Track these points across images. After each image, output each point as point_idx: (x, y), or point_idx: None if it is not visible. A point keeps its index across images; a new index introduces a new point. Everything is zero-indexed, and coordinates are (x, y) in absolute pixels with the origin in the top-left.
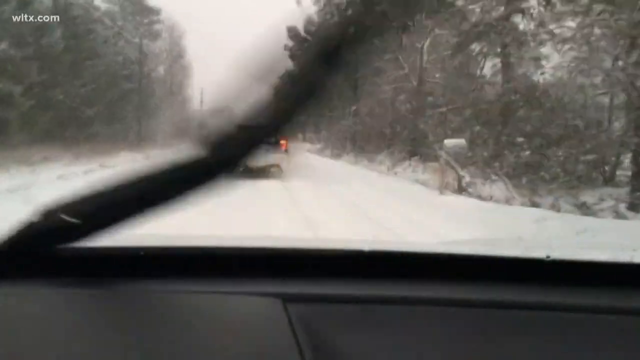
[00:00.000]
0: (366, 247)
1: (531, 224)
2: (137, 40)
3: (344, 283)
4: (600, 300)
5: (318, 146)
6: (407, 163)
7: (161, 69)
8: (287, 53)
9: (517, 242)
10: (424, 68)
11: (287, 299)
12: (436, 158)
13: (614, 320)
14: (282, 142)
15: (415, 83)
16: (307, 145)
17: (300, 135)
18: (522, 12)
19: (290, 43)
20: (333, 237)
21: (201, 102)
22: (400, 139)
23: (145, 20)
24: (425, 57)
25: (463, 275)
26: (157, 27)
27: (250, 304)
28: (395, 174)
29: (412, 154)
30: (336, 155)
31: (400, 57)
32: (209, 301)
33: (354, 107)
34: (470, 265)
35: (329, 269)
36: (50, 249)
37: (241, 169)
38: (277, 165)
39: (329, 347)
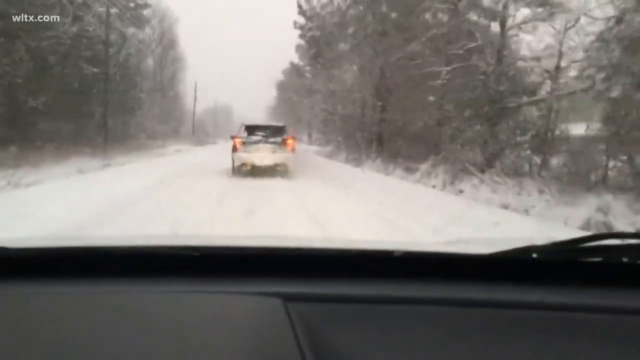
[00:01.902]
0: (366, 247)
1: None
2: (114, 18)
3: (344, 283)
4: (599, 300)
5: (328, 149)
6: (477, 178)
7: (150, 60)
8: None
9: (518, 243)
10: (508, 36)
11: (287, 298)
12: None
13: (613, 319)
14: (289, 142)
15: (492, 60)
16: (314, 148)
17: (306, 137)
18: None
19: (301, 19)
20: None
21: (195, 98)
22: (460, 142)
23: (132, 4)
24: (510, 21)
25: (463, 275)
26: (145, 12)
27: (251, 303)
28: (460, 192)
29: (486, 165)
30: (353, 161)
31: (469, 24)
32: (210, 300)
33: (381, 102)
34: (469, 265)
35: (329, 268)
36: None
37: (248, 167)
38: (284, 164)
39: (329, 346)
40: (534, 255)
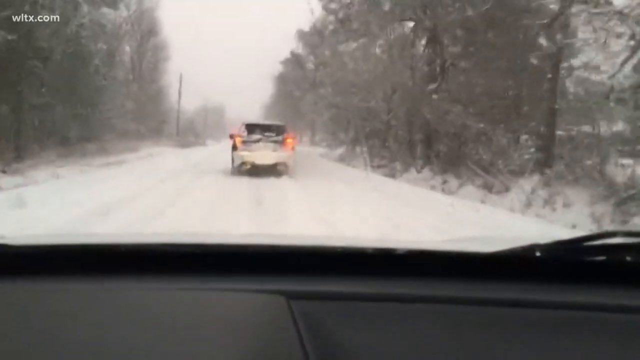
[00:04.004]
0: (369, 245)
1: None
2: None
3: (347, 281)
4: (603, 299)
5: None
6: None
7: (126, 47)
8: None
9: (522, 241)
10: None
11: (290, 296)
12: None
13: (617, 318)
14: (289, 140)
15: None
16: (320, 150)
17: (307, 137)
18: None
19: None
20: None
21: (179, 92)
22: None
23: None
24: None
25: (466, 273)
26: None
27: (254, 301)
28: None
29: None
30: (380, 169)
31: None
32: (212, 298)
33: (434, 85)
34: (473, 264)
35: (332, 266)
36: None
37: (248, 166)
38: (284, 164)
39: (332, 344)
40: (538, 254)
